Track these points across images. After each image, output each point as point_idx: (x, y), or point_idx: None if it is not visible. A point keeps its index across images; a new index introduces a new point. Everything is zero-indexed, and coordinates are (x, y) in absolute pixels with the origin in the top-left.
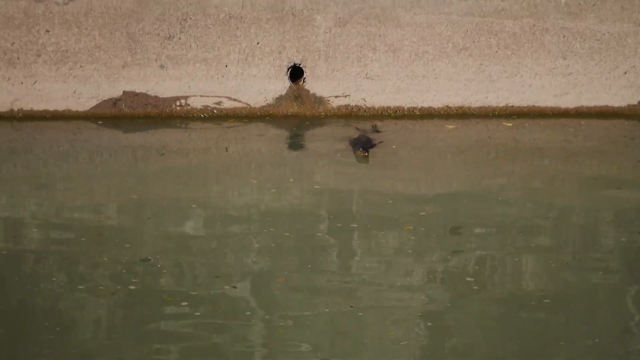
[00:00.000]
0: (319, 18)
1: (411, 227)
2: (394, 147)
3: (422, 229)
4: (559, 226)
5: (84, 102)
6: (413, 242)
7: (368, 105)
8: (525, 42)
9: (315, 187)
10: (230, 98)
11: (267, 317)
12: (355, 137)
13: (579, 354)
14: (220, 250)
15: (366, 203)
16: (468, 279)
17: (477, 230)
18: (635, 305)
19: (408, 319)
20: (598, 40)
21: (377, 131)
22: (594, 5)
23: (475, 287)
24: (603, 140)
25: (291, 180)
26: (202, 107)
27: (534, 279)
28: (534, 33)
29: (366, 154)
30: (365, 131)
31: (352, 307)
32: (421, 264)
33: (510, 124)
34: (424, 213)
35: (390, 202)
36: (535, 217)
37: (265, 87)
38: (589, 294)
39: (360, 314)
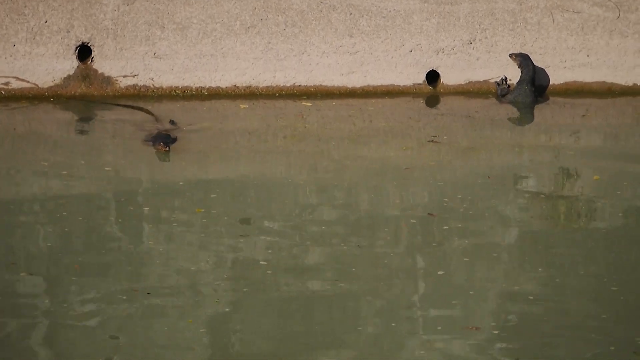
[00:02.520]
0: None
1: (202, 210)
2: (184, 129)
3: (214, 211)
4: (346, 209)
5: None
6: (204, 224)
7: (156, 85)
8: (313, 20)
9: (106, 169)
10: (18, 78)
11: (64, 305)
12: (154, 133)
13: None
14: (14, 236)
15: (157, 186)
16: (262, 262)
17: (266, 214)
18: (417, 286)
19: (204, 304)
20: (384, 17)
21: (175, 125)
22: None
23: (269, 272)
24: (390, 120)
25: (82, 162)
26: None
27: (324, 263)
28: (321, 10)
29: (167, 148)
30: (160, 124)
31: (149, 294)
32: (212, 247)
33: (309, 104)
34: (214, 195)
35: (181, 183)
36: (322, 203)
37: (53, 67)
38: (377, 274)
39: (157, 300)
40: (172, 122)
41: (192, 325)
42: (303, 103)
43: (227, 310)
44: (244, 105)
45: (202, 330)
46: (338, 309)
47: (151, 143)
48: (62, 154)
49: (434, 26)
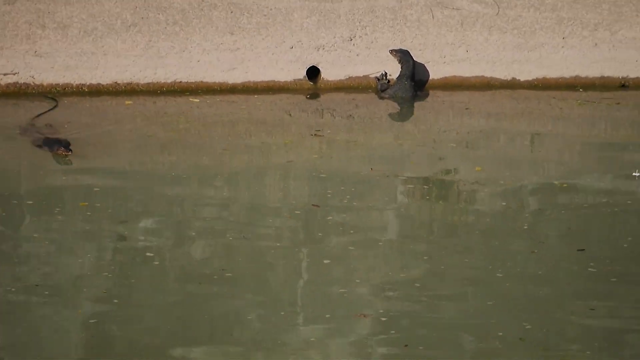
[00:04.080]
0: None
1: (86, 204)
2: (65, 126)
3: (97, 204)
4: (230, 201)
5: None
6: (89, 217)
7: (37, 83)
8: (194, 18)
9: None
10: None
11: None
12: (43, 137)
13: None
14: None
15: (40, 181)
16: (148, 254)
17: (150, 207)
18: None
19: (91, 296)
20: (265, 15)
21: (51, 128)
22: None
23: (156, 263)
24: (272, 115)
25: None
26: None
27: (210, 253)
28: (202, 9)
29: (69, 152)
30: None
31: (37, 285)
32: (97, 240)
33: (197, 100)
34: (97, 189)
35: (64, 178)
36: (205, 196)
37: None
38: (263, 264)
39: (46, 292)
40: (48, 125)
41: (80, 317)
42: (190, 99)
43: (115, 301)
44: (129, 101)
45: (91, 321)
46: (225, 298)
47: (47, 148)
48: None
49: (315, 23)
